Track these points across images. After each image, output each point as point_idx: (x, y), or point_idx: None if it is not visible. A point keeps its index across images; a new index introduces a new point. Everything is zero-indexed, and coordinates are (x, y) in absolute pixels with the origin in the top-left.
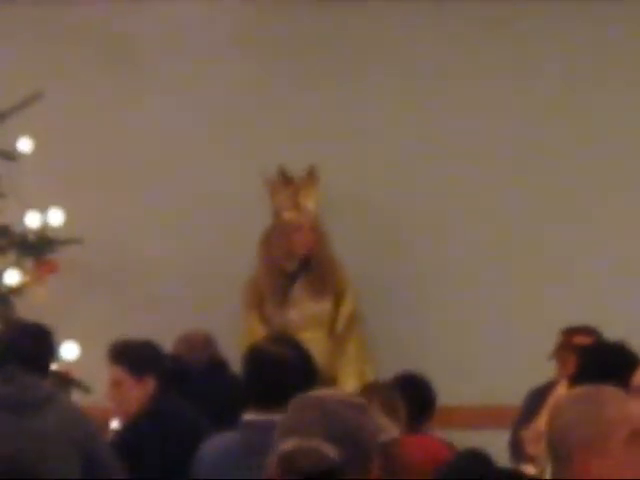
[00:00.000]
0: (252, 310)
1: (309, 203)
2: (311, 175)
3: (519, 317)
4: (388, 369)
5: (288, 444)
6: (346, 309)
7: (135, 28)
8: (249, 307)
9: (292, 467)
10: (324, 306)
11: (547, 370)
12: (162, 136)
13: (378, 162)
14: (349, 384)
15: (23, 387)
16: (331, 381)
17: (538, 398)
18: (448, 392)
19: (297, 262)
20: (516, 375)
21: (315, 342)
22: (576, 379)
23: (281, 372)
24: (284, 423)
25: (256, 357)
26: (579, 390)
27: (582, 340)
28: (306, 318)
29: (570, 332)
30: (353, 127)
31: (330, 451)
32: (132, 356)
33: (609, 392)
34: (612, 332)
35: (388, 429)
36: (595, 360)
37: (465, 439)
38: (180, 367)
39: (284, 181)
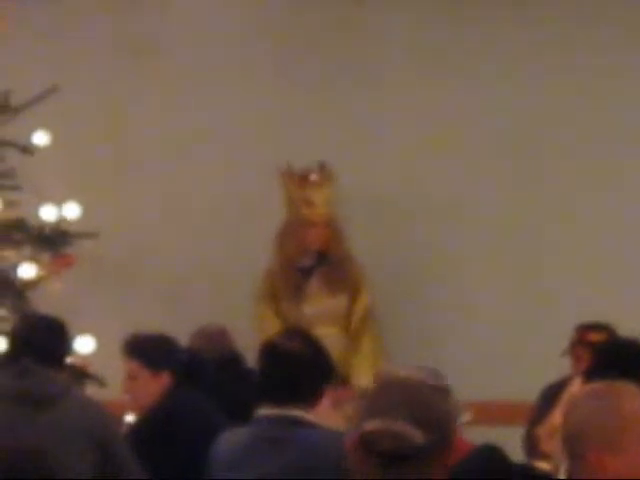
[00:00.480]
0: (267, 305)
1: (323, 199)
2: (324, 171)
3: (533, 313)
4: (402, 364)
5: (372, 425)
6: (361, 305)
7: (152, 21)
8: (264, 301)
9: (375, 448)
10: (339, 302)
11: (560, 367)
12: (179, 131)
13: (392, 158)
14: (363, 381)
15: (39, 381)
16: (345, 377)
17: (553, 395)
18: (460, 388)
19: (312, 258)
20: (528, 371)
21: (329, 338)
22: (591, 375)
23: (296, 367)
24: (367, 403)
25: (270, 352)
26: (594, 386)
27: (596, 336)
28: (321, 313)
29: (584, 329)
30: (367, 123)
31: (415, 434)
32: (148, 350)
33: (624, 388)
34: (627, 329)
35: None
36: (610, 356)
37: (477, 435)
38: (195, 361)
39: (298, 177)
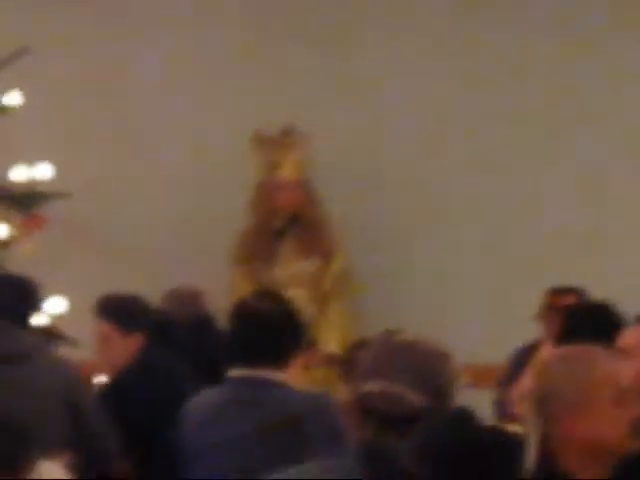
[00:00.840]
0: (240, 267)
1: (291, 161)
2: (293, 134)
3: (505, 276)
4: (374, 326)
5: (371, 385)
6: (333, 269)
7: None
8: (237, 264)
9: (373, 409)
10: (311, 265)
11: (533, 330)
12: (151, 91)
13: (365, 122)
14: (330, 346)
15: (9, 339)
16: (313, 341)
17: (524, 357)
18: None
19: (283, 219)
20: (500, 334)
21: (300, 300)
22: (562, 339)
23: (266, 328)
24: (368, 364)
25: (241, 313)
26: (565, 350)
27: (567, 300)
28: (292, 276)
29: (555, 292)
30: (339, 86)
31: (413, 397)
32: (120, 311)
33: (595, 352)
34: (598, 294)
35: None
36: (581, 319)
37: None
38: (166, 322)
39: (267, 140)
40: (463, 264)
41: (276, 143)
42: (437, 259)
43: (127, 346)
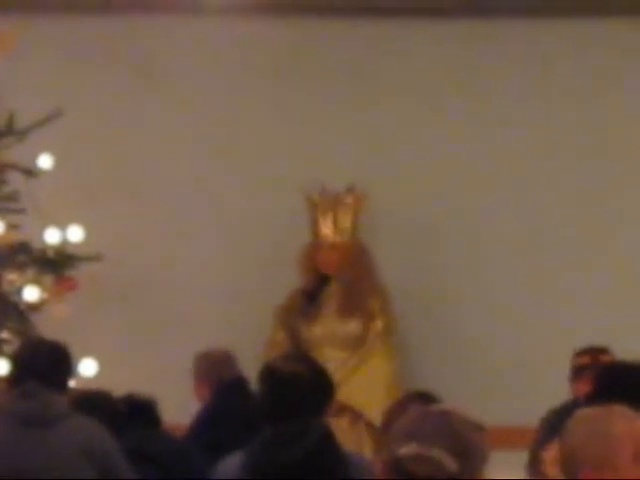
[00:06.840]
0: (279, 325)
1: (345, 222)
2: (349, 194)
3: (549, 339)
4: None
5: (407, 449)
6: (374, 332)
7: (157, 47)
8: (277, 322)
9: (409, 472)
10: (349, 326)
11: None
12: (184, 154)
13: (421, 180)
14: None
15: (41, 403)
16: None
17: (558, 418)
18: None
19: (318, 280)
20: (543, 396)
21: (336, 361)
22: (594, 398)
23: (295, 389)
24: (404, 429)
25: (270, 375)
26: (588, 410)
27: (597, 360)
28: (330, 336)
29: (584, 353)
30: (398, 145)
31: (449, 462)
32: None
33: (616, 411)
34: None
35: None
36: (612, 379)
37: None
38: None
39: (321, 200)
40: (514, 325)
41: (336, 202)
42: (482, 322)
43: None
